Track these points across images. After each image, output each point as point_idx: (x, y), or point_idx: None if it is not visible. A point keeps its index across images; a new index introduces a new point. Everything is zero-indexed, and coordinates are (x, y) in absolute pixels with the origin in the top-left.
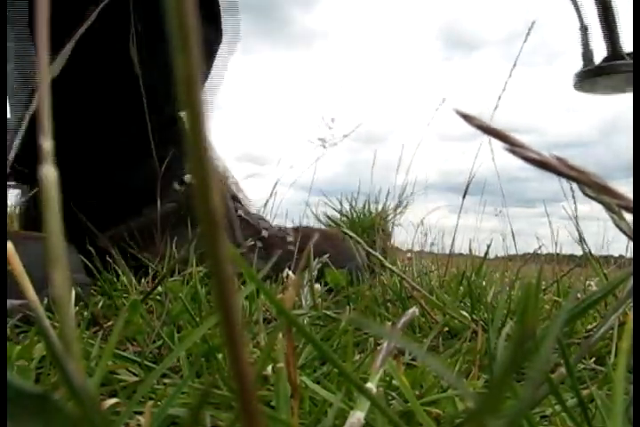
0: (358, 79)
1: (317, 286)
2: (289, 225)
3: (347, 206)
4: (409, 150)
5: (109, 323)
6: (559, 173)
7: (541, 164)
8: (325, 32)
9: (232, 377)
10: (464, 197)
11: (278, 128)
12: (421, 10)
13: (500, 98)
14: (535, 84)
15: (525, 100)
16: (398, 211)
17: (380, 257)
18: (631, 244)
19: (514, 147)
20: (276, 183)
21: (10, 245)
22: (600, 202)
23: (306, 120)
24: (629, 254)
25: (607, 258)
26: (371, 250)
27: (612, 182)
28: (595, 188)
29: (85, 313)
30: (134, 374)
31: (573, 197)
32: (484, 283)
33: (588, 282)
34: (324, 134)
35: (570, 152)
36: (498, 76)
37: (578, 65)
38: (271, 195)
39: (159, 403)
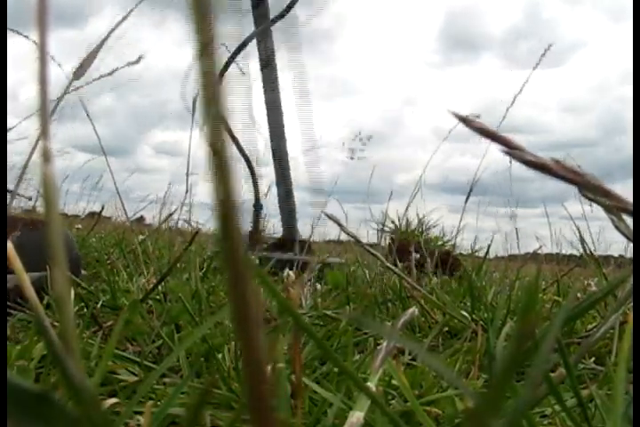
0: (361, 80)
1: (317, 285)
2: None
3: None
4: (409, 151)
5: (109, 323)
6: (557, 176)
7: (540, 166)
8: (329, 33)
9: (245, 378)
10: (466, 200)
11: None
12: (422, 10)
13: (514, 100)
14: (538, 85)
15: (528, 101)
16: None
17: (380, 257)
18: (631, 244)
19: (512, 150)
20: (270, 185)
21: (10, 245)
22: (599, 203)
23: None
24: (629, 254)
25: (607, 258)
26: (371, 250)
27: (612, 184)
28: (593, 190)
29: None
30: (134, 374)
31: (578, 197)
32: (483, 283)
33: (587, 282)
34: (353, 145)
35: (573, 152)
36: (498, 77)
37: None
38: (266, 195)
39: (159, 403)
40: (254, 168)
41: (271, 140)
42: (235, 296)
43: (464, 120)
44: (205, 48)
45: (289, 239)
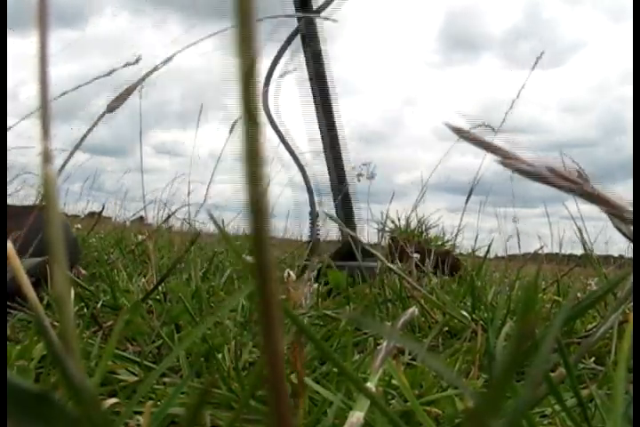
0: (361, 80)
1: (317, 285)
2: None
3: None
4: (409, 151)
5: (109, 323)
6: (552, 185)
7: (534, 176)
8: (329, 33)
9: (265, 377)
10: (467, 201)
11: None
12: (423, 10)
13: (513, 103)
14: (538, 85)
15: (528, 101)
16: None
17: (380, 256)
18: (631, 244)
19: (506, 160)
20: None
21: (10, 245)
22: (598, 206)
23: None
24: (629, 254)
25: (607, 258)
26: (371, 249)
27: (612, 184)
28: (588, 198)
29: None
30: (134, 374)
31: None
32: (483, 283)
33: (587, 282)
34: (360, 171)
35: (573, 152)
36: (498, 77)
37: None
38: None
39: (159, 403)
40: (306, 172)
41: (322, 136)
42: (262, 296)
43: (458, 131)
44: (244, 48)
45: (349, 246)
